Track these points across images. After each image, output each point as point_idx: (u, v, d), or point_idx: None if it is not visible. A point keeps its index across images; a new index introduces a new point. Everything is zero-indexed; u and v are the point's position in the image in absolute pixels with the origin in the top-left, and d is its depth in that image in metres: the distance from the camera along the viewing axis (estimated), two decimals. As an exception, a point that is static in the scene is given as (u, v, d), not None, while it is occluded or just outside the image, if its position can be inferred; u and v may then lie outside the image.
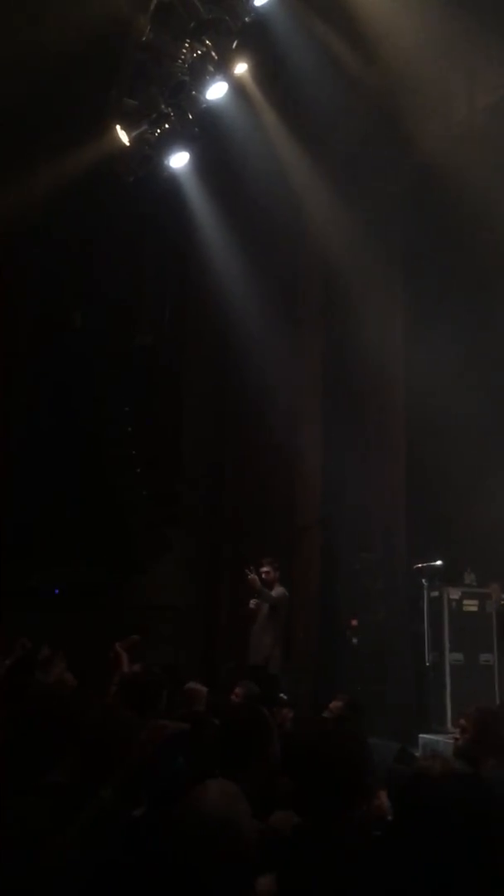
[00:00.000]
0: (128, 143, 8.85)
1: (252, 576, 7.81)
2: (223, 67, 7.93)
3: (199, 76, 8.02)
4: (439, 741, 6.63)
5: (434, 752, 4.53)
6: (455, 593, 7.77)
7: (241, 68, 8.16)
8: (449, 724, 6.94)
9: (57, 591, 10.27)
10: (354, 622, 9.12)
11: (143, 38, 8.05)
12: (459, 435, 8.75)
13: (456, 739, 4.22)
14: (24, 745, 2.78)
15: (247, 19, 7.53)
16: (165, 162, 9.10)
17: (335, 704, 5.49)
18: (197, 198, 9.92)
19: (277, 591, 8.07)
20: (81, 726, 2.78)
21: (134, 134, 8.81)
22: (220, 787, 2.24)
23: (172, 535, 11.06)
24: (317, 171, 9.18)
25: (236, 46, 7.77)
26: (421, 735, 7.18)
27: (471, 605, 7.54)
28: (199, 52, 7.88)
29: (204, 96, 8.19)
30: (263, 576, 8.08)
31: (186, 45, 7.91)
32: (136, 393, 11.26)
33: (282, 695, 6.49)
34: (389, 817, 3.12)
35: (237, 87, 8.34)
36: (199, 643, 10.59)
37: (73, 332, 10.98)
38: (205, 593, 11.09)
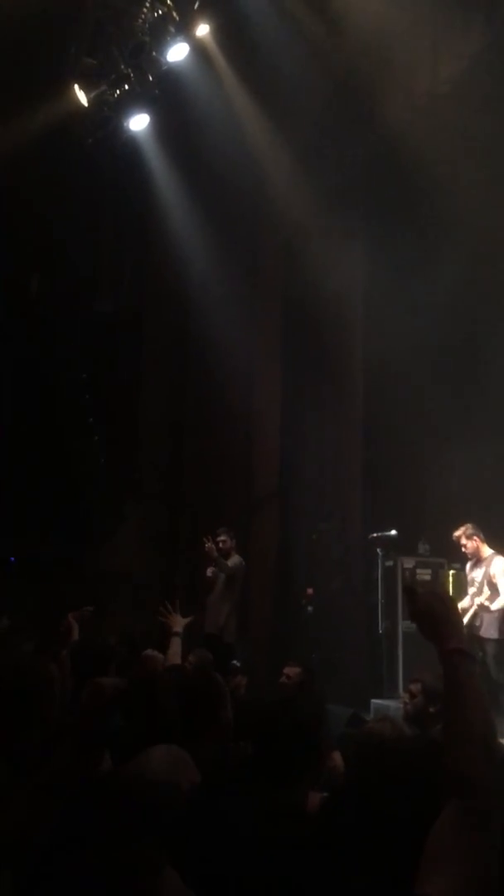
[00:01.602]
0: (86, 104, 8.68)
1: (209, 545, 7.84)
2: (184, 28, 7.81)
3: (159, 36, 7.89)
4: (390, 706, 6.76)
5: (384, 716, 4.61)
6: (409, 563, 7.88)
7: (202, 30, 8.04)
8: (400, 690, 7.07)
9: (13, 560, 10.20)
10: (310, 591, 9.21)
11: (103, -5, 7.88)
12: (416, 406, 8.84)
13: (405, 704, 4.32)
14: None
15: (209, -20, 7.40)
16: (125, 124, 8.94)
17: (291, 670, 5.57)
18: (157, 161, 9.79)
19: (234, 560, 8.11)
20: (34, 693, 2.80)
21: (93, 94, 8.64)
22: (164, 753, 2.26)
23: (129, 505, 11.02)
24: (278, 137, 9.09)
25: (198, 7, 7.64)
26: (373, 700, 7.31)
27: (424, 574, 7.66)
28: (160, 11, 7.74)
29: (165, 58, 8.06)
30: (220, 545, 8.11)
31: (147, 4, 7.76)
32: (94, 360, 11.13)
33: (235, 662, 6.54)
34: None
35: (199, 49, 8.21)
36: (155, 612, 10.62)
37: (30, 296, 10.79)
38: (162, 563, 11.10)
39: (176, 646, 4.64)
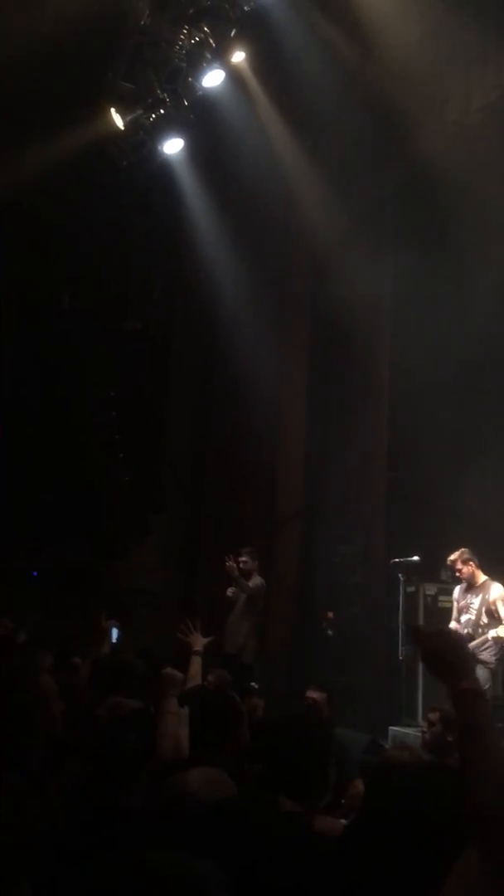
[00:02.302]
0: (122, 127, 8.82)
1: (230, 563, 7.85)
2: (220, 55, 7.92)
3: (196, 63, 8.00)
4: (409, 734, 6.71)
5: (403, 744, 4.59)
6: (431, 589, 7.85)
7: (238, 57, 8.14)
8: (419, 718, 7.02)
9: (35, 574, 10.27)
10: (330, 614, 9.19)
11: (142, 22, 8.01)
12: (443, 430, 8.84)
13: (423, 733, 4.30)
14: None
15: (246, 8, 7.51)
16: (159, 147, 9.07)
17: (316, 694, 5.55)
18: (189, 184, 9.89)
19: (255, 581, 8.12)
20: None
21: (129, 118, 8.77)
22: (203, 772, 2.28)
23: (153, 521, 11.06)
24: (310, 163, 9.18)
25: (234, 35, 7.76)
26: (391, 728, 7.26)
27: (446, 602, 7.61)
28: (197, 38, 7.86)
29: (200, 83, 8.17)
30: (241, 565, 8.13)
31: (185, 30, 7.89)
32: (121, 377, 11.23)
33: (253, 684, 6.53)
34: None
35: (234, 75, 8.32)
36: (175, 630, 10.61)
37: (60, 313, 10.94)
38: (183, 579, 11.11)
39: (196, 665, 4.65)
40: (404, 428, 9.14)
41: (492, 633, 6.53)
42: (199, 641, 4.78)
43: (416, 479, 8.95)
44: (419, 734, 5.06)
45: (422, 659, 1.87)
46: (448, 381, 8.78)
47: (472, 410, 8.59)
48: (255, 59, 8.34)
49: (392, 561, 8.00)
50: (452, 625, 6.89)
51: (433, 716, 4.18)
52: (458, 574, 6.94)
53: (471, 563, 6.87)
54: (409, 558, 7.64)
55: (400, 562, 7.80)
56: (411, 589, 7.88)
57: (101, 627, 4.63)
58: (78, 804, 2.20)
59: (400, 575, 7.80)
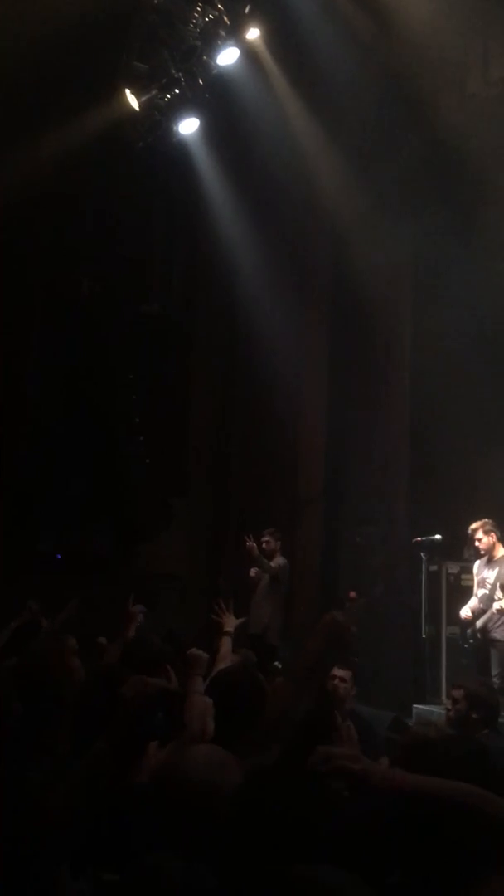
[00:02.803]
0: (137, 108, 8.77)
1: (251, 543, 7.86)
2: (235, 32, 7.84)
3: (210, 41, 7.94)
4: (433, 712, 6.72)
5: (429, 721, 4.61)
6: (453, 567, 7.81)
7: (253, 34, 8.06)
8: (444, 696, 7.02)
9: (59, 557, 10.36)
10: (353, 594, 9.19)
11: (155, 1, 7.95)
12: (464, 410, 8.76)
13: (448, 710, 4.30)
14: (24, 703, 2.86)
15: (260, -17, 7.43)
16: (175, 128, 9.01)
17: (344, 672, 5.55)
18: (207, 164, 9.84)
19: (278, 561, 8.14)
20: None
21: (144, 98, 8.72)
22: (207, 754, 2.29)
23: (176, 505, 11.11)
24: (328, 140, 9.09)
25: (248, 11, 7.68)
26: (416, 706, 7.27)
27: (468, 580, 7.57)
28: (211, 16, 7.79)
29: (215, 62, 8.11)
30: (264, 545, 8.15)
31: (199, 8, 7.82)
32: (143, 361, 11.25)
33: (277, 664, 6.56)
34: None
35: (249, 53, 8.24)
36: (201, 612, 10.68)
37: (81, 297, 10.96)
38: (208, 563, 11.16)
39: (227, 645, 4.65)
40: (427, 405, 9.09)
41: (496, 606, 6.45)
42: (230, 622, 4.77)
43: (439, 457, 8.90)
44: (443, 712, 5.06)
45: None
46: (471, 357, 8.70)
47: (495, 389, 8.51)
48: (270, 36, 8.25)
49: (414, 540, 7.97)
50: (472, 601, 6.86)
51: (457, 693, 4.17)
52: (477, 543, 6.86)
53: (493, 533, 6.80)
54: (432, 537, 7.60)
55: (422, 541, 7.76)
56: (434, 568, 7.85)
57: (129, 611, 4.66)
58: (102, 785, 2.23)
59: (422, 554, 7.77)
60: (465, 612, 6.84)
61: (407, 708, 7.20)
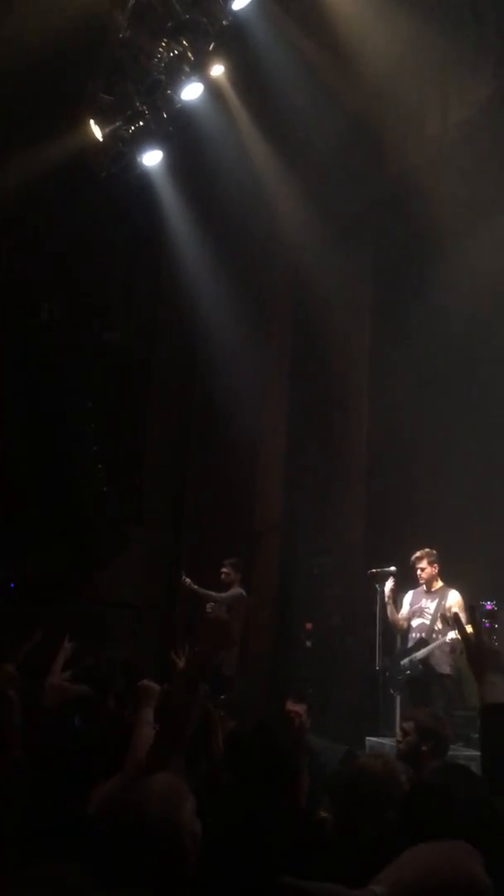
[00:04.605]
0: (101, 139, 8.85)
1: (184, 579, 7.83)
2: (199, 68, 7.97)
3: (174, 76, 8.05)
4: (385, 744, 6.70)
5: (377, 753, 4.60)
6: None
7: (217, 70, 8.21)
8: (397, 728, 7.01)
9: (13, 585, 10.20)
10: (309, 625, 9.18)
11: (121, 35, 8.06)
12: (421, 442, 8.89)
13: (398, 742, 4.30)
14: None
15: (224, 22, 7.57)
16: (138, 159, 9.11)
17: (297, 706, 5.54)
18: (169, 196, 9.94)
19: (234, 591, 8.11)
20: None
21: (108, 129, 8.81)
22: (164, 786, 2.27)
23: (132, 532, 11.04)
24: (289, 177, 9.24)
25: (213, 48, 7.81)
26: (368, 738, 7.26)
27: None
28: (176, 51, 7.91)
29: (179, 96, 8.22)
30: (223, 576, 8.13)
31: (164, 44, 7.94)
32: (101, 388, 11.23)
33: (222, 696, 6.51)
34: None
35: (213, 88, 8.38)
36: (155, 641, 10.59)
37: (40, 324, 10.92)
38: (163, 591, 11.08)
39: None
40: (383, 437, 9.19)
41: (451, 636, 6.54)
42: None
43: (394, 488, 8.98)
44: (394, 744, 5.06)
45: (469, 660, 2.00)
46: (428, 391, 8.83)
47: (453, 417, 8.64)
48: (234, 72, 8.41)
49: (369, 571, 8.00)
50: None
51: (407, 725, 4.16)
52: (419, 572, 7.00)
53: (435, 564, 6.95)
54: (386, 568, 7.64)
55: (377, 572, 7.80)
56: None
57: (62, 645, 4.59)
58: (21, 798, 2.19)
59: (377, 585, 7.81)
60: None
61: (360, 740, 7.19)
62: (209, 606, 8.07)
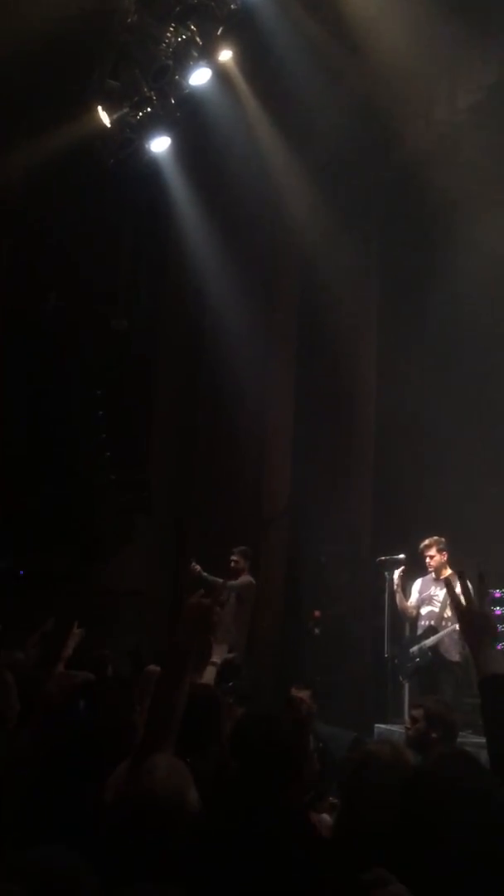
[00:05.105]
0: (109, 125, 8.79)
1: (193, 566, 7.83)
2: (207, 53, 7.91)
3: (182, 61, 7.99)
4: (394, 731, 6.72)
5: (385, 739, 4.60)
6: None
7: (225, 55, 8.14)
8: (406, 715, 7.02)
9: (21, 573, 10.23)
10: (317, 613, 9.19)
11: (129, 20, 8.00)
12: (427, 433, 8.87)
13: (407, 729, 4.30)
14: None
15: (232, 6, 7.51)
16: (146, 145, 9.05)
17: (302, 693, 5.54)
18: (177, 183, 9.88)
19: (243, 579, 8.11)
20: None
21: (115, 116, 8.74)
22: (167, 765, 2.28)
23: (139, 522, 11.04)
24: (297, 162, 9.19)
25: (221, 33, 7.75)
26: (377, 725, 7.27)
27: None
28: (184, 36, 7.85)
29: (187, 81, 8.16)
30: (232, 564, 8.13)
31: (171, 28, 7.88)
32: (108, 377, 11.21)
33: (230, 683, 6.52)
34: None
35: (221, 73, 8.32)
36: (163, 630, 10.61)
37: (47, 312, 10.90)
38: (170, 580, 11.09)
39: (210, 674, 4.58)
40: (391, 426, 9.18)
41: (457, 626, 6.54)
42: (218, 652, 4.69)
43: (403, 477, 8.97)
44: (404, 731, 5.06)
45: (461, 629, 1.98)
46: (436, 378, 8.80)
47: (459, 410, 8.62)
48: (242, 57, 8.34)
49: (377, 559, 8.01)
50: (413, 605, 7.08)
51: (416, 712, 4.17)
52: (428, 560, 7.00)
53: (444, 552, 6.94)
54: (395, 556, 7.64)
55: (385, 560, 7.80)
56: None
57: (71, 631, 4.59)
58: (30, 783, 2.19)
59: (385, 573, 7.81)
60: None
61: (369, 727, 7.20)
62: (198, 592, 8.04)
